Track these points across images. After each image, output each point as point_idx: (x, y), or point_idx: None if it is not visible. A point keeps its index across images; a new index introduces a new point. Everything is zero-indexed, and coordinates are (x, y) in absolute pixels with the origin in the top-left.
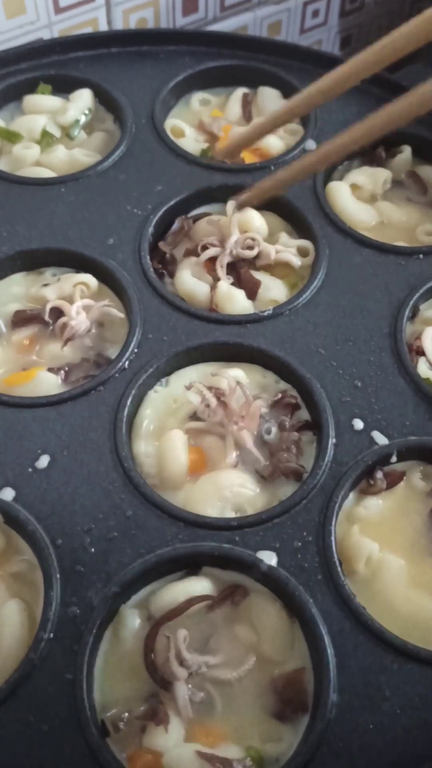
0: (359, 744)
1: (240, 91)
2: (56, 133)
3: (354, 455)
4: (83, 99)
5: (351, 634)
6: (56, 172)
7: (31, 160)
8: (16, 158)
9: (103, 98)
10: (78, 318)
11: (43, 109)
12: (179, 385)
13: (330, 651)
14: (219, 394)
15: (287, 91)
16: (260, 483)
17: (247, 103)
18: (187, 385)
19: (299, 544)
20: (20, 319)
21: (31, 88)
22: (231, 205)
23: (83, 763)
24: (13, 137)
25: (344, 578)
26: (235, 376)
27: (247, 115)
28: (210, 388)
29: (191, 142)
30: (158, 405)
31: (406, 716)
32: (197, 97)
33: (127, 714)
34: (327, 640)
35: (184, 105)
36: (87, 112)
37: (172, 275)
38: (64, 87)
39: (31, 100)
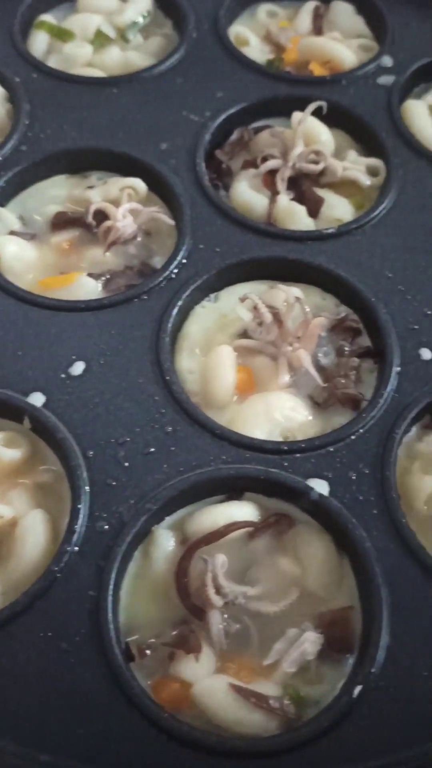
0: (410, 691)
1: (312, 4)
2: (111, 35)
3: (419, 386)
4: (142, 0)
5: (409, 573)
6: (108, 74)
7: (83, 61)
8: (67, 57)
9: (162, 2)
10: (124, 221)
11: (98, 9)
12: (229, 301)
13: (384, 590)
14: (274, 312)
15: (363, 7)
16: (313, 409)
17: (318, 17)
18: (241, 297)
19: (354, 475)
20: (61, 221)
21: None
22: (297, 115)
23: (103, 686)
24: (64, 35)
25: (404, 514)
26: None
27: (317, 29)
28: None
29: (256, 52)
30: (205, 321)
31: None
32: (264, 8)
33: (154, 639)
34: (381, 578)
35: (249, 16)
36: (145, 14)
37: (227, 188)
38: None
39: None
